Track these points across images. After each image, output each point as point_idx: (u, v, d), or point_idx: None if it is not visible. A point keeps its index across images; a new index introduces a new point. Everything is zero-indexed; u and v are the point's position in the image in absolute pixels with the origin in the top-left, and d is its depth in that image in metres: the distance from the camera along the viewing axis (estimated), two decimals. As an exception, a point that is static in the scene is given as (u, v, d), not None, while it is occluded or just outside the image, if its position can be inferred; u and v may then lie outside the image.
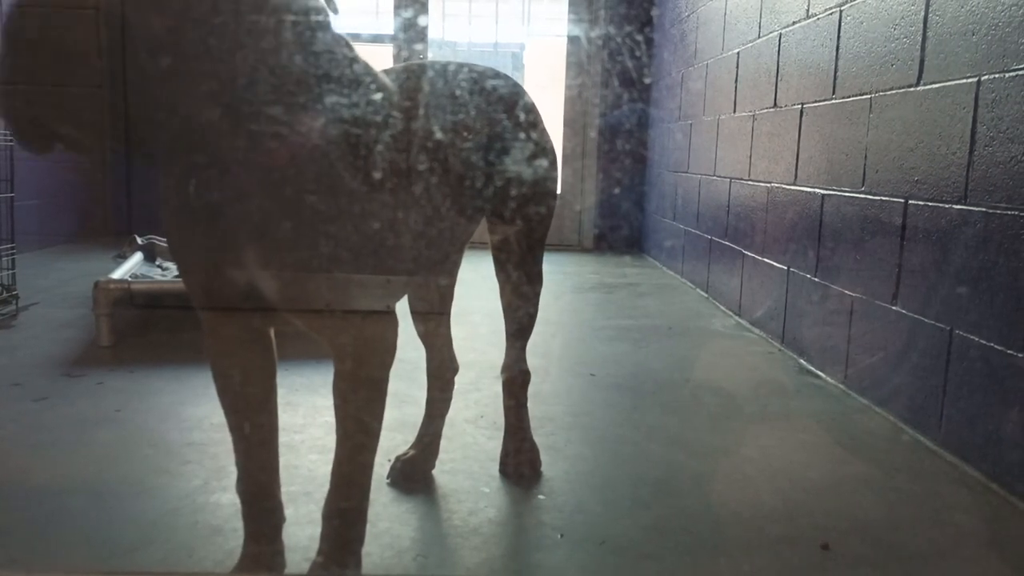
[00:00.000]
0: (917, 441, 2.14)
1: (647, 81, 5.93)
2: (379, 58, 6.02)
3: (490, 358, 2.70)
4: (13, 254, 3.34)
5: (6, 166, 3.37)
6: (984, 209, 1.93)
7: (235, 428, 1.30)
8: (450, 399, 1.88)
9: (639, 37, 5.87)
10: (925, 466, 1.99)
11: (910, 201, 2.24)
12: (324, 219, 1.10)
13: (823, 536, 1.60)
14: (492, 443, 2.00)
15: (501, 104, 1.59)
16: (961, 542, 1.62)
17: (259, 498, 1.33)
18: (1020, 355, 1.79)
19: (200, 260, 1.13)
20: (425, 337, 1.84)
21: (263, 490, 1.33)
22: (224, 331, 1.26)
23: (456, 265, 1.80)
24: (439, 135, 1.32)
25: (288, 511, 1.38)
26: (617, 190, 6.03)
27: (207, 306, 1.20)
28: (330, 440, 1.28)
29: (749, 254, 3.54)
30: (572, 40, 6.07)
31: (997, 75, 1.89)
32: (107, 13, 0.93)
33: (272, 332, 1.31)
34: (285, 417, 2.07)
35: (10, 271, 3.33)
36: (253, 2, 0.91)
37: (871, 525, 1.67)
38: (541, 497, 1.75)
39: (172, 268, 3.52)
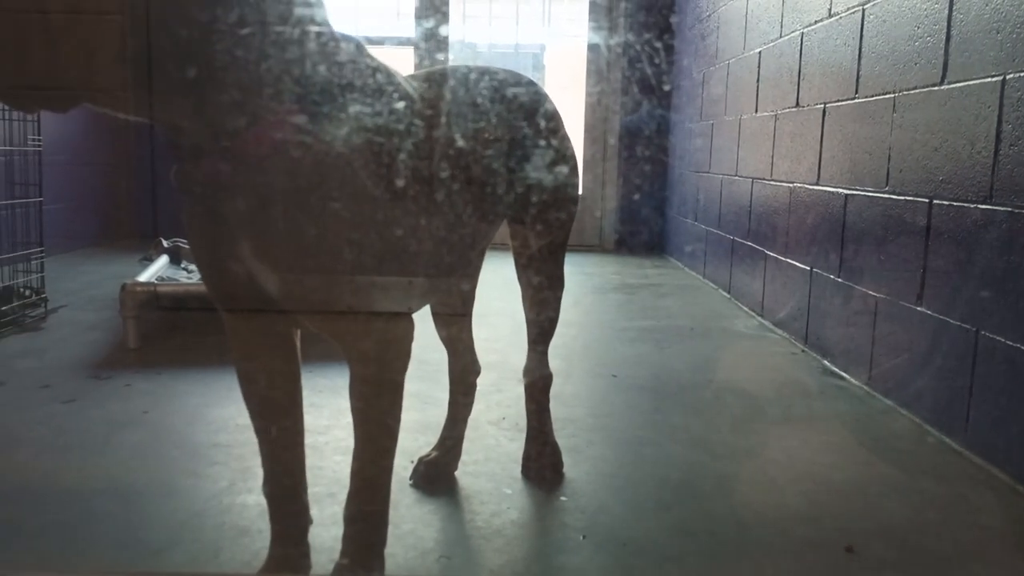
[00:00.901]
0: (942, 443, 2.12)
1: (667, 88, 5.92)
2: (400, 62, 6.05)
3: (512, 360, 2.70)
4: (42, 257, 3.39)
5: (34, 171, 3.41)
6: (1010, 209, 1.91)
7: (260, 431, 1.32)
8: (472, 402, 1.89)
9: (658, 44, 5.86)
10: (950, 468, 1.97)
11: (934, 201, 2.22)
12: (346, 226, 1.11)
13: (847, 539, 1.59)
14: (514, 445, 2.01)
15: (522, 111, 1.59)
16: (987, 545, 1.61)
17: (285, 500, 1.34)
18: (1047, 356, 1.77)
19: (222, 265, 1.15)
20: (447, 341, 1.85)
21: (289, 492, 1.34)
22: (247, 335, 1.27)
23: (477, 269, 1.81)
24: (461, 142, 1.32)
25: (313, 512, 1.39)
26: (637, 196, 6.02)
27: (228, 309, 1.22)
28: (353, 441, 1.29)
29: (772, 254, 3.52)
30: (592, 48, 6.08)
31: (1022, 73, 1.87)
32: (132, 20, 0.94)
33: (297, 336, 1.32)
34: (309, 419, 2.08)
35: (38, 274, 3.38)
36: (279, 13, 0.92)
37: (896, 528, 1.66)
38: (563, 499, 1.76)
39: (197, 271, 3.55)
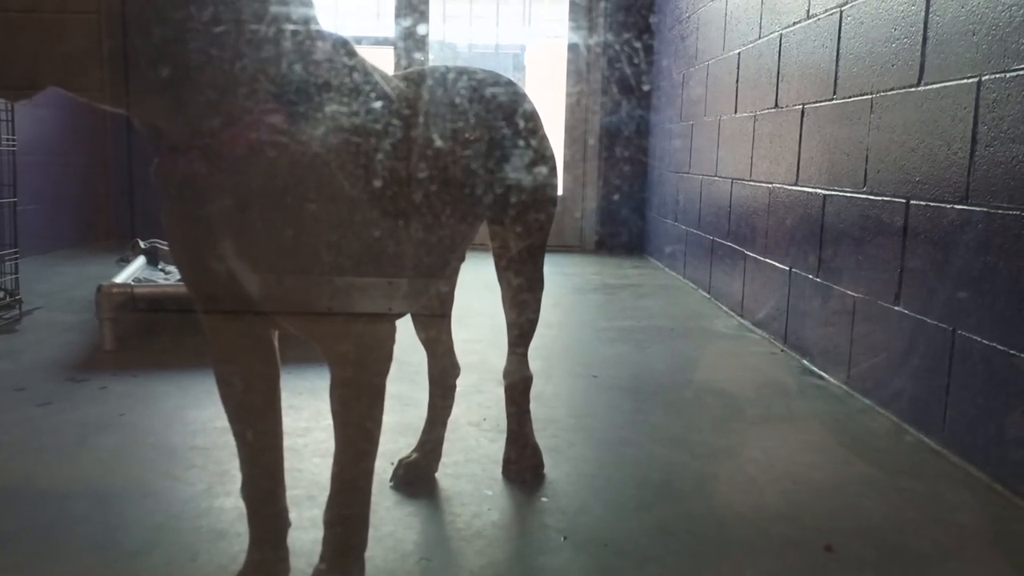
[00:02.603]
0: (920, 442, 2.14)
1: (646, 88, 5.93)
2: (380, 61, 6.02)
3: (492, 361, 2.70)
4: (16, 259, 3.35)
5: (8, 171, 3.37)
6: (985, 209, 1.93)
7: (239, 434, 1.31)
8: (452, 403, 1.88)
9: (638, 44, 5.88)
10: (928, 467, 1.99)
11: (912, 201, 2.24)
12: (323, 226, 1.10)
13: (826, 538, 1.60)
14: (495, 446, 2.00)
15: (501, 111, 1.59)
16: (965, 543, 1.62)
17: (263, 504, 1.33)
18: (1022, 355, 1.79)
19: (201, 267, 1.14)
20: (427, 343, 1.84)
21: (267, 495, 1.33)
22: (226, 336, 1.26)
23: (455, 270, 1.80)
24: (439, 143, 1.32)
25: (292, 515, 1.38)
26: (617, 196, 6.03)
27: (209, 310, 1.21)
28: (333, 444, 1.28)
29: (751, 255, 3.54)
30: (571, 47, 6.09)
31: (998, 75, 1.89)
32: (109, 19, 0.93)
33: (276, 337, 1.31)
34: (288, 421, 2.07)
35: (13, 276, 3.34)
36: (254, 11, 0.91)
37: (874, 526, 1.67)
38: (544, 500, 1.75)
39: (175, 272, 3.52)
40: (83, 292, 3.73)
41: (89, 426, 2.11)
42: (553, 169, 1.74)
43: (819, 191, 2.83)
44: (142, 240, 3.88)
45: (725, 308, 3.89)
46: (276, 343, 1.31)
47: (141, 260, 3.65)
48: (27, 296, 3.41)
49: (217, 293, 1.16)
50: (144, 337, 3.08)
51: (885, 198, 2.38)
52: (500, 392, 1.92)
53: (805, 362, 2.89)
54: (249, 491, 1.32)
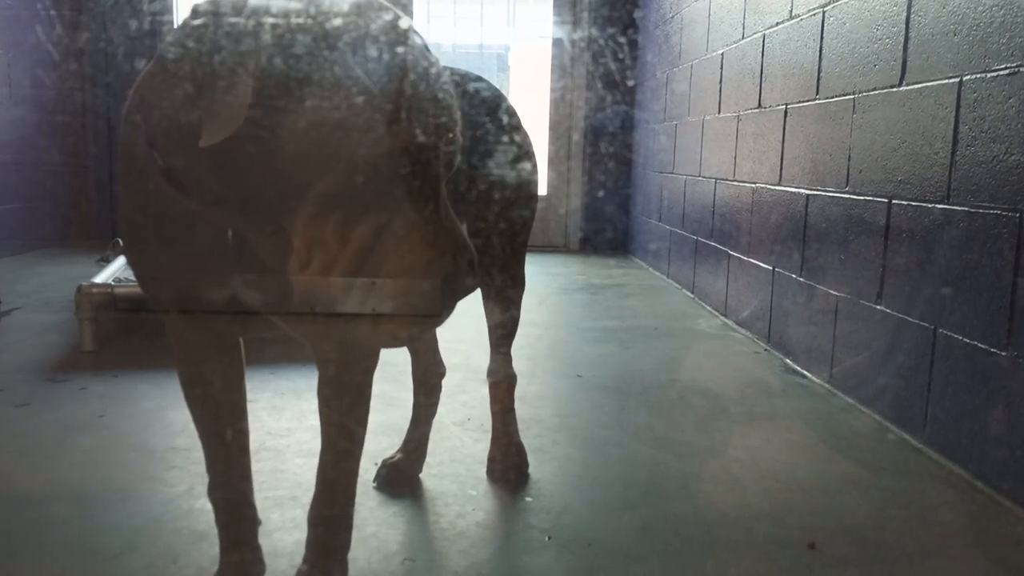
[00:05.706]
0: (902, 440, 2.14)
1: (630, 83, 5.94)
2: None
3: (476, 360, 2.69)
4: (-6, 259, 3.32)
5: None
6: (967, 208, 1.94)
7: (212, 435, 1.28)
8: (436, 404, 1.87)
9: (622, 39, 5.88)
10: (910, 465, 2.00)
11: (894, 201, 2.25)
12: (307, 222, 1.09)
13: (810, 536, 1.60)
14: (479, 446, 2.00)
15: (483, 107, 1.58)
16: (947, 541, 1.63)
17: (237, 505, 1.31)
18: (1003, 354, 1.80)
19: (185, 268, 1.12)
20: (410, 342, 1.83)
21: (242, 496, 1.31)
22: (199, 338, 1.24)
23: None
24: (421, 138, 1.30)
25: (274, 516, 1.37)
26: (601, 193, 6.03)
27: (184, 312, 1.19)
28: (317, 444, 1.27)
29: (735, 254, 3.54)
30: (556, 43, 6.08)
31: (979, 75, 1.90)
32: (88, 15, 0.91)
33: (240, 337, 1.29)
34: (271, 421, 2.06)
35: (-9, 276, 3.30)
36: (233, 5, 0.90)
37: (857, 524, 1.67)
38: (528, 499, 1.75)
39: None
40: (62, 292, 3.69)
41: (68, 427, 2.08)
42: (534, 166, 1.74)
43: (802, 191, 2.84)
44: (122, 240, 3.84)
45: (709, 308, 3.90)
46: (241, 341, 1.29)
47: (121, 260, 3.61)
48: (5, 297, 3.38)
49: (201, 298, 1.14)
50: (124, 337, 3.05)
51: (867, 198, 2.39)
52: (484, 392, 1.91)
53: (788, 361, 2.90)
54: (223, 493, 1.30)
